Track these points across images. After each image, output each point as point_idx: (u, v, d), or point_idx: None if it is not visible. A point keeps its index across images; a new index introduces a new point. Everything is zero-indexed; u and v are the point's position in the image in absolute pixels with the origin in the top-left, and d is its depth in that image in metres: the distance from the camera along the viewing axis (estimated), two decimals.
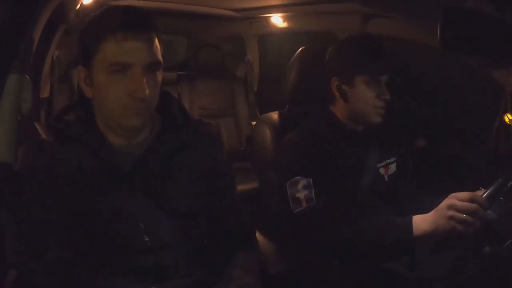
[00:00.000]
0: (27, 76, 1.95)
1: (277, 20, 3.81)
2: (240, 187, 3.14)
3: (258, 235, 1.77)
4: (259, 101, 4.61)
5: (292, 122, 2.06)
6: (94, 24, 1.32)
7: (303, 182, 1.82)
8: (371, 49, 1.94)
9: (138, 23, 1.28)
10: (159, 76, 1.35)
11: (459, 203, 1.55)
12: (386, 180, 2.03)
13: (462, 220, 1.53)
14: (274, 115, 2.19)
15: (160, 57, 1.33)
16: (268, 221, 2.19)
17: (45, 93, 3.07)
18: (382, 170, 2.03)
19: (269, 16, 3.86)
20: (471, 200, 1.54)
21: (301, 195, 1.81)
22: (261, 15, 3.97)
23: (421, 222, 1.63)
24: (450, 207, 1.56)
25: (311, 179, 1.81)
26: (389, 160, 2.07)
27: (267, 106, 3.05)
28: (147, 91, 1.28)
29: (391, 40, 2.70)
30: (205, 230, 1.55)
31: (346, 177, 1.91)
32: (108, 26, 1.27)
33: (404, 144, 2.20)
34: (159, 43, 1.34)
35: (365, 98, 1.91)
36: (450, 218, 1.55)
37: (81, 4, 2.80)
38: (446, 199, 1.60)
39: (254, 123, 2.37)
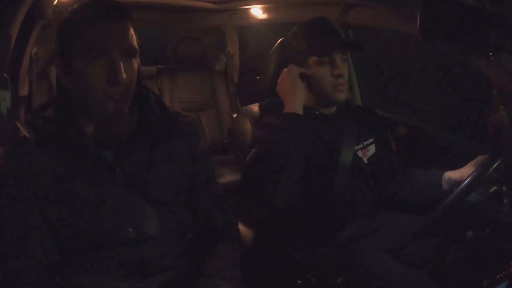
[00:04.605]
0: (5, 74, 1.93)
1: (257, 11, 3.81)
2: (223, 179, 3.16)
3: (240, 226, 1.78)
4: (240, 93, 4.61)
5: (269, 112, 2.08)
6: (74, 15, 1.37)
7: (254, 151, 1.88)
8: (319, 30, 2.00)
9: (115, 12, 1.35)
10: (136, 63, 1.40)
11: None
12: (366, 162, 2.06)
13: None
14: (255, 107, 2.19)
15: (135, 44, 1.39)
16: (251, 211, 2.20)
17: (24, 91, 3.04)
18: (360, 153, 2.06)
19: (249, 8, 3.85)
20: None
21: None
22: (240, 7, 3.96)
23: None
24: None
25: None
26: (367, 142, 2.09)
27: (248, 98, 3.06)
28: (124, 75, 1.33)
29: (372, 30, 2.72)
30: (188, 222, 1.57)
31: (323, 160, 1.94)
32: (87, 16, 1.34)
33: (381, 125, 2.23)
34: (134, 33, 1.40)
35: (321, 79, 1.96)
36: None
37: None
38: None
39: (235, 115, 2.37)
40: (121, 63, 1.33)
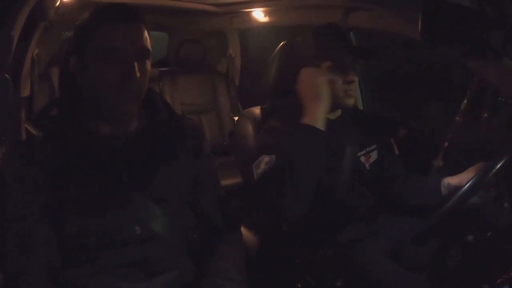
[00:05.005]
0: (6, 75, 1.94)
1: (259, 14, 3.80)
2: (224, 182, 3.15)
3: (242, 229, 1.78)
4: (241, 95, 4.62)
5: (271, 115, 2.07)
6: (91, 17, 1.40)
7: (266, 159, 1.82)
8: (332, 36, 1.99)
9: (130, 15, 1.39)
10: (149, 65, 1.43)
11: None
12: (368, 168, 2.06)
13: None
14: (256, 110, 2.19)
15: (149, 46, 1.42)
16: (252, 214, 2.19)
17: (25, 92, 3.04)
18: (363, 159, 2.05)
19: (251, 11, 3.86)
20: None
21: (261, 169, 1.82)
22: (242, 10, 3.96)
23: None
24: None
25: (274, 156, 1.81)
26: (370, 148, 2.09)
27: (249, 101, 3.07)
28: (138, 74, 1.36)
29: (373, 33, 2.72)
30: (192, 222, 1.59)
31: (326, 165, 1.93)
32: (104, 17, 1.37)
33: (384, 131, 2.23)
34: (148, 35, 1.43)
35: (334, 84, 1.93)
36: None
37: (61, 1, 2.78)
38: None
39: (237, 117, 2.37)
40: (135, 63, 1.36)
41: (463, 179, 1.85)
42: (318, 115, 1.81)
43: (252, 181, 1.85)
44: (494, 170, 1.57)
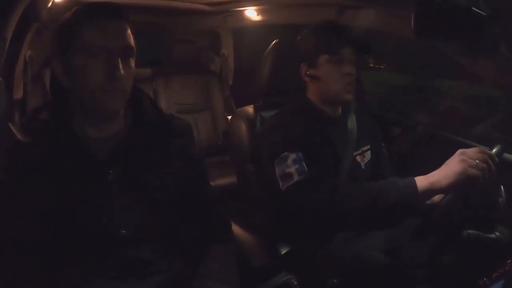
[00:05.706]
0: None
1: (252, 13, 3.80)
2: (218, 181, 3.15)
3: (237, 228, 1.77)
4: (234, 94, 4.61)
5: (269, 113, 2.07)
6: (74, 15, 1.40)
7: (292, 156, 1.81)
8: (329, 30, 2.02)
9: (112, 12, 1.39)
10: (132, 63, 1.43)
11: (470, 151, 1.58)
12: (363, 168, 2.06)
13: (473, 165, 1.55)
14: (250, 109, 2.19)
15: (132, 43, 1.42)
16: (247, 213, 2.19)
17: (18, 94, 3.03)
18: (358, 158, 2.06)
19: (243, 10, 3.85)
20: (481, 152, 1.58)
21: (292, 169, 1.79)
22: (235, 9, 3.96)
23: (424, 178, 1.63)
24: (462, 153, 1.59)
25: (300, 153, 1.81)
26: (364, 148, 2.10)
27: (242, 100, 3.08)
28: (122, 71, 1.35)
29: (366, 31, 2.73)
30: (181, 223, 1.57)
31: (325, 163, 1.93)
32: (87, 15, 1.37)
33: (377, 131, 2.24)
34: (131, 33, 1.43)
35: (332, 76, 1.96)
36: (462, 161, 1.56)
37: (53, 1, 2.77)
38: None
39: (230, 117, 2.37)
40: (119, 60, 1.35)
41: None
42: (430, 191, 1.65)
43: (266, 178, 1.89)
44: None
